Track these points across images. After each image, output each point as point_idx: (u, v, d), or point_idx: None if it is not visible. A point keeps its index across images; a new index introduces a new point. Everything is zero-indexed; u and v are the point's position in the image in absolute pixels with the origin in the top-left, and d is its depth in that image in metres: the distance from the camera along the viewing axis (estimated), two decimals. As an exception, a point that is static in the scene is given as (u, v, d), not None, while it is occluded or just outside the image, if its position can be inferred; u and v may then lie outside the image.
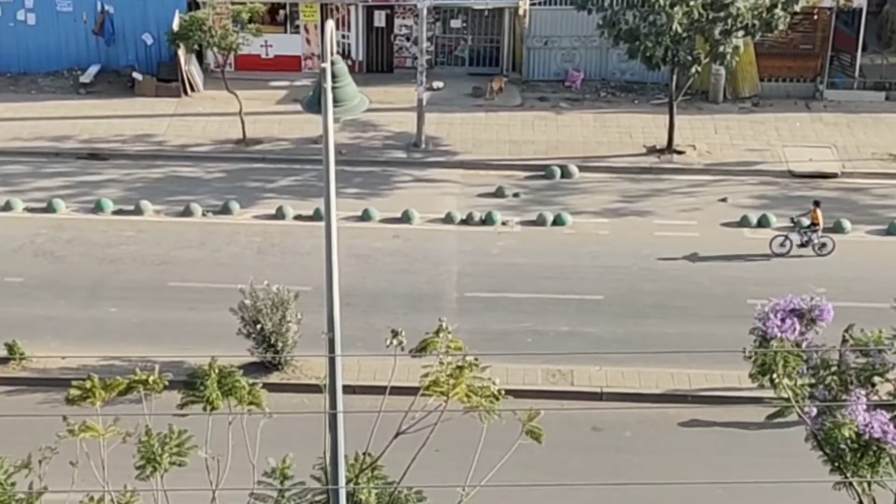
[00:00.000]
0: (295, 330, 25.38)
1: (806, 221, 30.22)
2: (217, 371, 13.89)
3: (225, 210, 31.90)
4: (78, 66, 38.33)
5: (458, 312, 27.02)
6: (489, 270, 29.52)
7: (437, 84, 37.51)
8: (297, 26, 38.45)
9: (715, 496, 21.16)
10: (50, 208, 31.82)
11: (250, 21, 33.87)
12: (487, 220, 31.48)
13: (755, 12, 32.46)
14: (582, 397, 25.04)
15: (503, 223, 31.51)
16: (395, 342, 13.57)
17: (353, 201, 31.84)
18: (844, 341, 17.57)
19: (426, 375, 13.73)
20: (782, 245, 30.02)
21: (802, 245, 29.92)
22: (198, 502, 14.05)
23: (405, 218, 31.52)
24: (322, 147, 12.25)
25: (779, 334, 15.79)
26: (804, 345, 15.97)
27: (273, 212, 31.82)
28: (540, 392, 24.63)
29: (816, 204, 30.30)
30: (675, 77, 33.75)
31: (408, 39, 38.56)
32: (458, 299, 28.34)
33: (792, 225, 30.45)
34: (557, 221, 31.55)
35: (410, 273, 29.36)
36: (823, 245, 30.02)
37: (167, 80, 37.24)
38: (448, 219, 31.55)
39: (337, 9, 38.09)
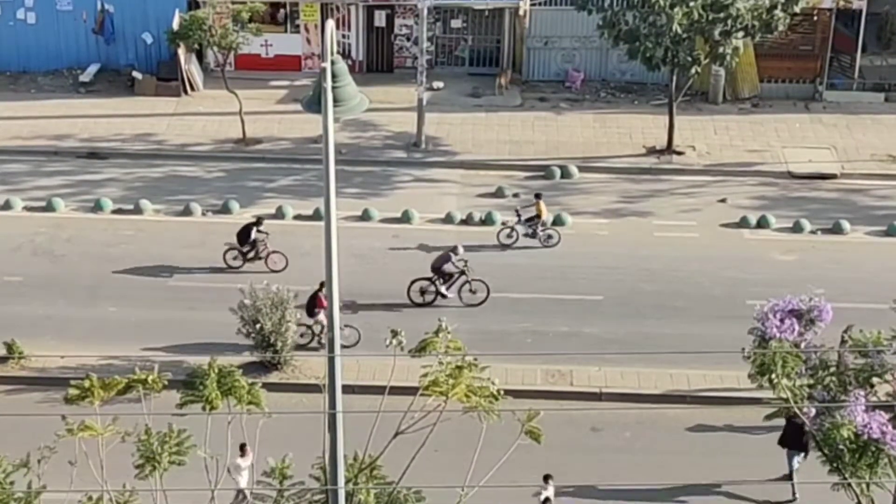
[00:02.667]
0: (294, 329, 25.39)
1: (530, 213, 30.29)
2: (216, 370, 13.89)
3: (225, 209, 31.90)
4: (78, 64, 38.33)
5: (457, 313, 27.01)
6: (488, 270, 29.50)
7: (438, 84, 37.52)
8: (298, 26, 38.44)
9: (714, 496, 21.16)
10: (49, 207, 31.81)
11: (250, 20, 33.86)
12: (487, 221, 31.48)
13: (755, 13, 32.47)
14: (581, 398, 25.04)
15: (503, 223, 31.50)
16: (394, 342, 13.58)
17: (353, 201, 31.84)
18: (843, 342, 17.60)
19: (425, 375, 13.74)
20: (509, 236, 30.24)
21: (529, 236, 30.09)
22: (197, 502, 14.06)
23: (405, 218, 31.52)
24: (322, 147, 12.26)
25: (778, 335, 15.81)
26: (803, 345, 15.99)
27: (273, 211, 31.82)
28: (539, 392, 24.64)
29: (538, 196, 30.50)
30: (674, 78, 33.75)
31: (408, 39, 38.56)
32: (457, 299, 28.31)
33: (517, 217, 30.41)
34: (557, 222, 31.54)
35: (410, 273, 29.33)
36: (549, 237, 30.22)
37: (167, 79, 37.24)
38: (448, 219, 31.55)
39: (337, 8, 38.09)
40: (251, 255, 28.96)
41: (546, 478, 21.25)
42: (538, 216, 30.27)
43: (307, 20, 38.31)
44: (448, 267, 27.86)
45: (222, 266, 29.19)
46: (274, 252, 28.92)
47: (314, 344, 26.34)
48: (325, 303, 25.85)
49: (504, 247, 30.08)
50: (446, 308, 27.16)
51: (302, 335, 26.22)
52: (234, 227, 30.88)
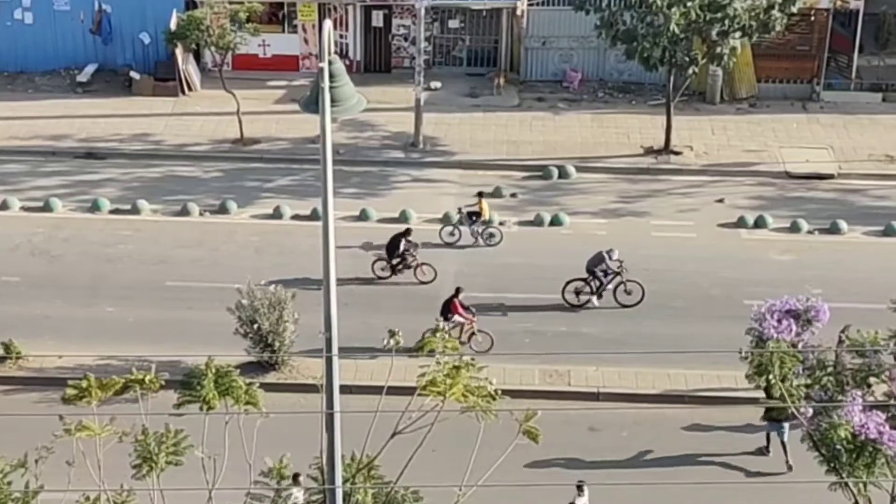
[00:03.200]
0: (292, 329, 25.38)
1: (472, 212, 30.26)
2: (214, 370, 13.89)
3: (222, 209, 31.89)
4: (75, 65, 38.31)
5: (454, 312, 27.00)
6: (486, 270, 29.52)
7: (435, 84, 37.51)
8: (295, 26, 38.44)
9: (711, 496, 21.17)
10: (47, 207, 31.80)
11: (248, 20, 33.84)
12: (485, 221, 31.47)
13: (752, 13, 32.49)
14: (579, 397, 25.05)
15: (501, 223, 31.51)
16: (392, 342, 13.58)
17: (351, 201, 31.83)
18: (840, 342, 17.62)
19: (423, 375, 13.74)
20: (451, 235, 30.24)
21: (474, 235, 30.06)
22: (194, 502, 14.05)
23: (403, 218, 31.50)
24: (320, 147, 12.26)
25: (775, 335, 15.83)
26: (800, 345, 16.00)
27: (271, 211, 31.81)
28: (537, 392, 24.65)
29: (480, 195, 30.46)
30: (672, 78, 33.76)
31: (406, 39, 38.57)
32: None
33: (459, 215, 30.37)
34: (555, 222, 31.56)
35: (407, 273, 29.33)
36: (491, 235, 30.21)
37: (165, 79, 37.23)
38: (445, 219, 31.53)
39: (335, 8, 38.08)
40: (400, 266, 28.53)
41: (579, 486, 21.16)
42: (480, 214, 30.25)
43: (305, 20, 38.30)
44: (602, 267, 27.63)
45: (220, 265, 29.18)
46: (423, 264, 28.51)
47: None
48: (460, 308, 25.96)
49: (447, 245, 29.99)
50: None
51: None
52: (232, 227, 30.92)
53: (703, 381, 25.63)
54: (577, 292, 27.99)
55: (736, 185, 33.60)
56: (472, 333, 26.37)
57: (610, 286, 27.93)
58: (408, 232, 28.88)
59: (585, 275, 28.01)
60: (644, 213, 32.28)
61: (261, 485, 14.40)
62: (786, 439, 22.74)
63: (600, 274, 27.87)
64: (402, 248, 28.58)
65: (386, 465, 14.35)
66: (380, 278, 28.71)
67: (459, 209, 30.52)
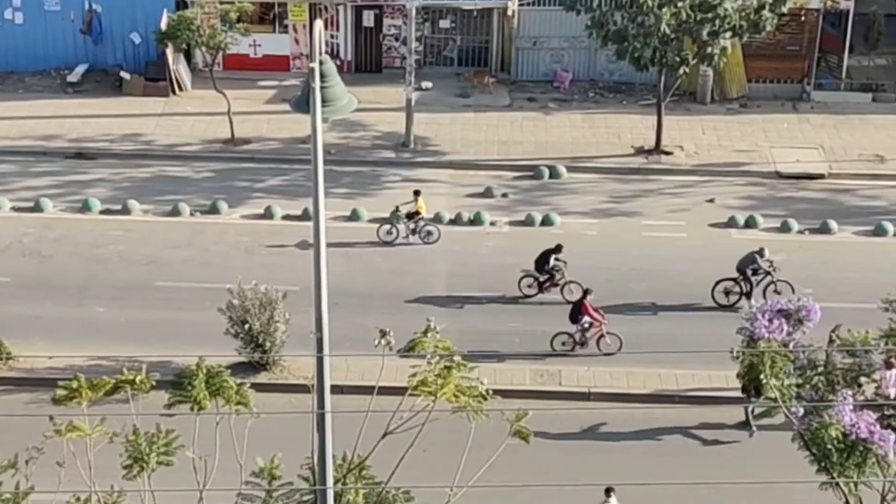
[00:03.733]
0: (283, 330, 25.36)
1: (409, 211, 30.25)
2: (205, 371, 13.88)
3: (213, 210, 31.86)
4: (65, 65, 38.25)
5: (446, 312, 27.02)
6: (477, 270, 29.53)
7: (426, 84, 37.51)
8: (286, 26, 38.42)
9: (702, 496, 21.19)
10: (37, 208, 31.74)
11: (239, 20, 33.82)
12: (476, 221, 31.50)
13: (743, 14, 32.54)
14: (570, 397, 25.06)
15: (492, 223, 31.53)
16: (383, 342, 13.57)
17: (342, 201, 31.82)
18: (831, 342, 17.65)
19: (414, 375, 13.74)
20: (389, 233, 30.24)
21: (412, 233, 30.08)
22: (185, 502, 14.04)
23: (394, 218, 31.47)
24: (311, 147, 12.25)
25: (766, 335, 15.83)
26: (791, 345, 16.01)
27: (261, 211, 31.79)
28: (528, 392, 24.66)
29: (416, 193, 30.43)
30: (663, 78, 33.80)
31: (396, 39, 38.56)
32: (446, 299, 28.34)
33: (396, 214, 30.31)
34: (546, 222, 31.58)
35: (399, 273, 29.35)
36: (429, 233, 30.20)
37: (155, 79, 37.18)
38: (437, 219, 31.54)
39: (326, 8, 38.07)
40: (548, 283, 27.89)
41: (608, 491, 21.09)
42: (417, 213, 30.22)
43: (295, 20, 38.28)
44: (753, 267, 27.38)
45: (211, 265, 29.16)
46: (571, 282, 27.75)
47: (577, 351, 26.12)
48: (590, 309, 25.98)
49: (385, 244, 29.93)
50: (434, 308, 27.13)
51: (563, 343, 26.08)
52: (223, 227, 30.85)
53: (694, 380, 25.66)
54: (727, 293, 27.79)
55: (726, 185, 33.64)
56: (602, 335, 26.25)
57: (759, 286, 27.51)
58: (558, 248, 27.97)
59: (735, 275, 27.69)
60: (635, 213, 32.31)
61: (252, 485, 14.38)
62: (751, 408, 22.85)
63: (750, 274, 27.58)
64: (551, 263, 27.79)
65: (377, 466, 14.34)
66: (526, 296, 28.05)
67: (396, 208, 30.36)
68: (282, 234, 30.71)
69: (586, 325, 26.20)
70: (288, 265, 28.96)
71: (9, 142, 34.71)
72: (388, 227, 30.21)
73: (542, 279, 27.96)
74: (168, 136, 35.29)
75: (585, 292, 26.55)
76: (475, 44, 38.98)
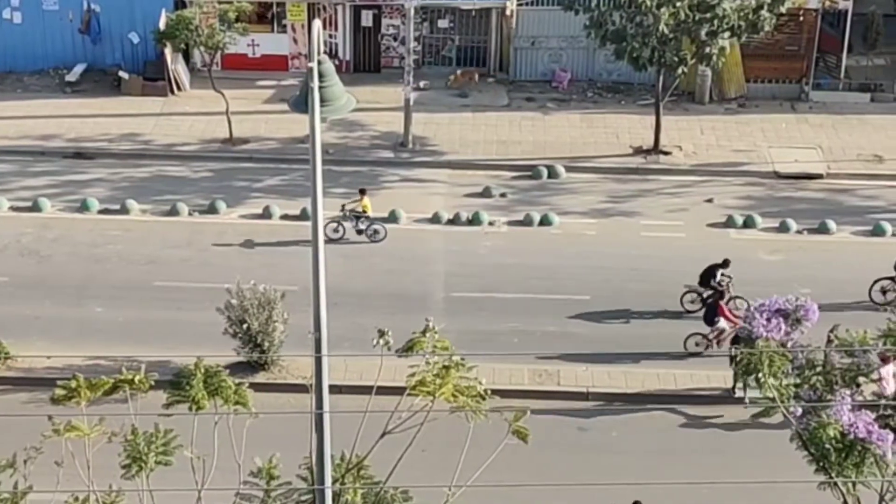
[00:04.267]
0: (281, 329, 25.36)
1: (357, 209, 30.12)
2: (203, 371, 13.88)
3: (212, 209, 31.86)
4: (64, 64, 38.23)
5: (444, 312, 27.02)
6: (476, 270, 29.54)
7: (425, 83, 37.50)
8: (285, 26, 38.41)
9: (700, 496, 21.20)
10: (36, 207, 31.73)
11: (237, 20, 33.82)
12: (474, 220, 31.50)
13: (741, 13, 32.54)
14: (568, 397, 25.07)
15: (490, 223, 31.53)
16: (381, 342, 13.58)
17: (341, 201, 31.79)
18: (829, 341, 17.66)
19: (413, 375, 13.75)
20: (336, 231, 30.05)
21: (358, 232, 30.03)
22: (183, 502, 14.04)
23: (392, 218, 31.50)
24: (309, 147, 12.25)
25: (764, 334, 15.84)
26: (789, 345, 16.02)
27: (260, 211, 31.79)
28: (526, 392, 24.65)
29: (362, 192, 30.30)
30: (661, 78, 33.80)
31: (395, 39, 38.56)
32: (444, 299, 28.35)
33: (342, 213, 30.16)
34: (544, 222, 31.58)
35: (397, 273, 29.36)
36: (376, 232, 30.14)
37: (154, 79, 37.17)
38: (435, 219, 31.56)
39: (324, 8, 38.06)
40: (710, 299, 26.89)
41: None
42: (363, 211, 30.15)
43: (294, 20, 38.27)
44: None
45: (209, 265, 29.15)
46: (736, 297, 27.02)
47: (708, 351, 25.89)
48: (725, 311, 25.87)
49: (331, 240, 29.54)
50: (433, 308, 27.12)
51: (697, 344, 25.97)
52: (222, 227, 30.82)
53: (692, 380, 25.67)
54: (884, 291, 27.62)
55: (725, 185, 33.65)
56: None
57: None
58: (725, 263, 27.28)
59: (893, 273, 27.52)
60: (633, 213, 32.31)
61: (250, 485, 14.38)
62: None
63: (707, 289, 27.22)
64: (717, 278, 27.16)
65: (375, 465, 14.35)
66: (688, 312, 27.52)
67: (343, 206, 30.25)
68: (280, 234, 30.70)
69: (721, 328, 25.97)
70: (286, 265, 28.96)
71: (7, 141, 34.69)
72: (334, 225, 29.96)
73: (705, 294, 27.24)
74: (166, 136, 35.28)
75: (721, 294, 26.34)
76: (473, 44, 38.98)
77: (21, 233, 30.74)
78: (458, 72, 37.97)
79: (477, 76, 37.85)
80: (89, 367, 23.66)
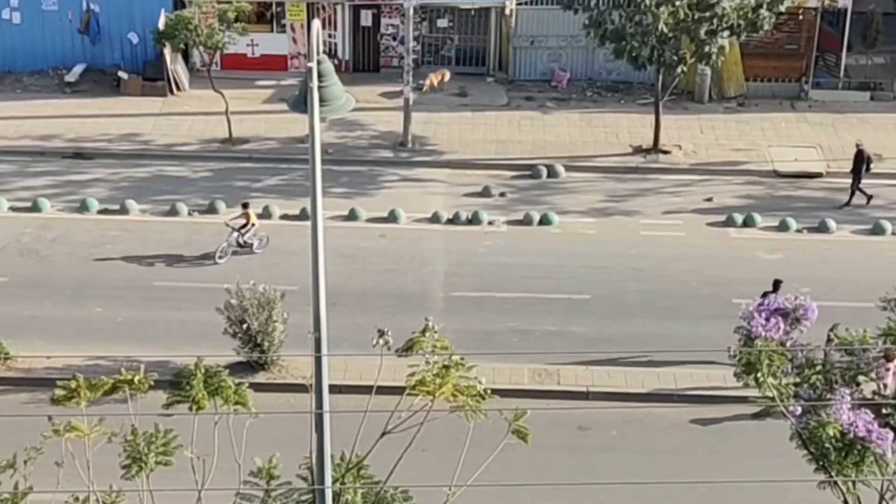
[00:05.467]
0: (281, 329, 25.36)
1: (239, 222, 29.52)
2: (203, 371, 13.87)
3: (211, 209, 31.86)
4: (63, 64, 38.24)
5: (444, 312, 27.02)
6: (476, 270, 29.54)
7: (424, 83, 37.50)
8: (284, 25, 38.41)
9: (700, 495, 21.21)
10: (35, 207, 31.73)
11: (236, 20, 33.82)
12: (474, 220, 31.50)
13: (740, 12, 32.54)
14: (568, 397, 25.06)
15: (490, 223, 31.54)
16: (381, 342, 13.57)
17: (340, 201, 31.82)
18: (829, 340, 17.64)
19: (412, 375, 13.75)
20: (225, 252, 29.25)
21: (241, 245, 29.41)
22: (183, 502, 14.04)
23: (392, 217, 31.52)
24: (308, 146, 12.25)
25: (763, 333, 15.83)
26: (789, 344, 16.01)
27: (259, 211, 31.77)
28: (526, 391, 24.66)
29: (245, 206, 29.74)
30: (660, 77, 33.80)
31: (394, 39, 38.57)
32: (444, 299, 28.36)
33: (229, 230, 29.37)
34: (544, 221, 31.58)
35: (397, 273, 29.37)
36: (261, 239, 29.71)
37: (153, 79, 37.17)
38: (435, 218, 31.56)
39: (323, 8, 38.07)
40: None
41: None
42: (248, 224, 29.49)
43: (293, 20, 38.27)
44: None
45: (208, 265, 29.16)
46: None
47: None
48: None
49: (219, 257, 29.10)
50: (433, 308, 27.14)
51: None
52: (221, 227, 30.78)
53: (692, 379, 25.67)
54: None
55: (724, 183, 33.65)
56: None
57: None
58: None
59: None
60: (633, 212, 32.32)
61: (250, 485, 14.38)
62: None
63: None
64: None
65: (375, 465, 14.35)
66: None
67: (226, 223, 29.52)
68: (280, 234, 30.70)
69: None
70: (286, 265, 28.97)
71: (7, 142, 34.70)
72: (224, 245, 29.28)
73: None
74: (166, 136, 35.28)
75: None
76: (473, 43, 38.98)
77: (20, 233, 30.74)
78: (431, 76, 37.06)
79: (448, 74, 37.48)
80: (89, 368, 23.68)
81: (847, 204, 32.32)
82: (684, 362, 25.66)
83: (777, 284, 27.07)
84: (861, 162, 32.08)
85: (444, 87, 37.13)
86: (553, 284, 28.87)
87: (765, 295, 26.96)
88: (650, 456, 23.64)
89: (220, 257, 29.41)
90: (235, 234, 29.53)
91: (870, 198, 32.33)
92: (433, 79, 36.57)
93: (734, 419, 24.46)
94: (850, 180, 33.32)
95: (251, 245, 29.75)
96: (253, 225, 29.71)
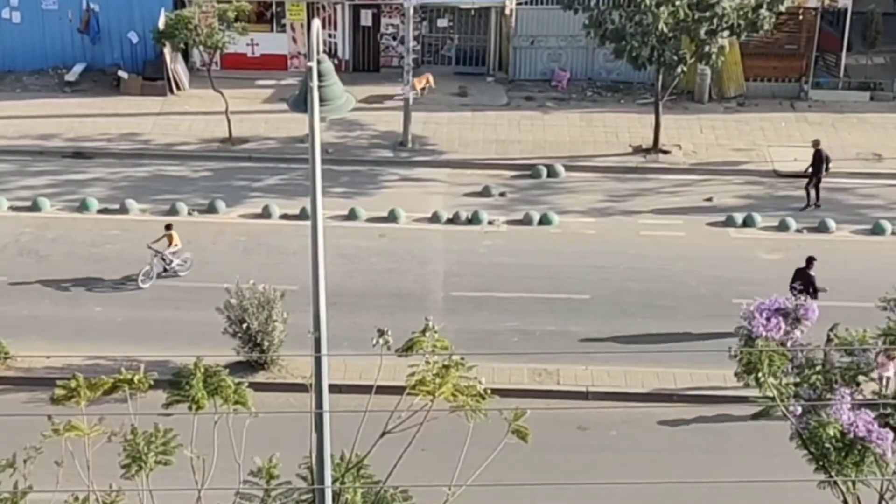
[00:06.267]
0: (281, 329, 25.36)
1: (163, 244, 28.60)
2: (202, 370, 13.87)
3: (211, 209, 31.86)
4: (63, 64, 38.24)
5: (444, 312, 27.02)
6: (475, 270, 29.54)
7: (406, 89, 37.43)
8: (284, 25, 38.41)
9: (700, 495, 21.21)
10: (35, 207, 31.73)
11: (236, 19, 33.82)
12: (474, 220, 31.50)
13: (740, 12, 32.55)
14: (568, 396, 25.06)
15: (489, 222, 31.54)
16: (381, 341, 13.56)
17: (340, 200, 31.82)
18: (829, 340, 17.63)
19: (412, 375, 13.74)
20: (148, 276, 28.40)
21: (164, 269, 28.50)
22: (183, 502, 14.03)
23: (392, 217, 31.52)
24: (308, 146, 12.25)
25: (764, 333, 15.82)
26: (789, 344, 16.01)
27: (259, 211, 31.79)
28: (526, 391, 24.66)
29: (168, 227, 28.75)
30: (660, 77, 33.80)
31: (394, 38, 38.56)
32: (444, 298, 28.35)
33: (153, 253, 28.42)
34: (544, 221, 31.58)
35: (397, 272, 29.37)
36: (184, 261, 28.68)
37: (153, 78, 37.17)
38: (434, 218, 31.56)
39: (323, 7, 38.06)
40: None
41: None
42: (171, 246, 28.60)
43: (293, 19, 38.27)
44: None
45: (208, 265, 29.13)
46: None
47: None
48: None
49: (142, 280, 28.31)
50: (432, 307, 27.13)
51: None
52: (221, 227, 30.77)
53: (691, 379, 25.67)
54: None
55: (724, 183, 33.65)
56: None
57: None
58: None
59: None
60: (633, 211, 32.32)
61: (250, 484, 14.38)
62: None
63: None
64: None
65: (375, 465, 14.34)
66: None
67: (149, 246, 28.56)
68: (280, 234, 30.70)
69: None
70: (286, 264, 28.96)
71: (6, 141, 34.69)
72: (146, 268, 28.38)
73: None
74: (166, 136, 35.28)
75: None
76: (473, 43, 38.98)
77: (20, 232, 30.74)
78: (413, 81, 35.84)
79: (432, 78, 37.06)
80: (88, 367, 23.69)
81: (807, 206, 32.11)
82: (684, 355, 25.64)
83: (810, 261, 27.26)
84: (820, 162, 31.94)
85: (426, 94, 36.54)
86: (553, 284, 28.87)
87: (798, 273, 27.34)
88: (650, 456, 23.64)
89: (143, 281, 28.33)
90: (157, 256, 28.43)
91: (818, 203, 32.10)
92: (416, 84, 36.35)
93: (734, 419, 24.47)
94: (851, 180, 33.34)
95: (174, 268, 28.62)
96: (176, 246, 28.63)
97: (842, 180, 33.82)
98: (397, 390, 13.70)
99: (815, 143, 32.51)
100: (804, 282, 26.68)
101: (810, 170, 32.24)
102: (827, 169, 32.22)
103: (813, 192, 32.25)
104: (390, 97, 36.28)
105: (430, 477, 13.71)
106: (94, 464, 13.58)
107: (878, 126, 36.37)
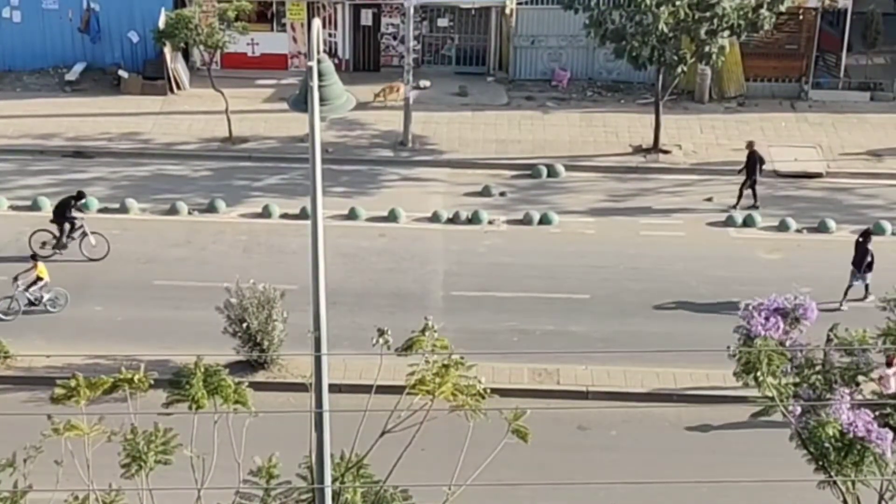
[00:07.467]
0: (281, 328, 25.36)
1: (29, 279, 27.22)
2: (203, 370, 13.88)
3: (211, 208, 31.86)
4: (63, 63, 38.24)
5: (444, 311, 27.02)
6: (475, 269, 29.54)
7: (424, 83, 37.51)
8: (284, 24, 38.41)
9: (700, 495, 21.22)
10: (35, 206, 31.72)
11: (237, 19, 33.82)
12: (474, 219, 31.50)
13: (741, 12, 32.54)
14: (568, 396, 25.06)
15: (490, 222, 31.54)
16: (381, 341, 13.58)
17: (340, 200, 31.82)
18: (829, 340, 17.64)
19: (412, 374, 13.75)
20: (10, 308, 27.04)
21: (32, 304, 27.10)
22: (183, 501, 14.04)
23: (392, 217, 31.52)
24: (308, 145, 12.25)
25: (763, 333, 15.82)
26: (788, 344, 16.01)
27: (259, 210, 31.79)
28: (526, 391, 24.65)
29: (34, 258, 27.56)
30: (661, 77, 33.81)
31: (395, 38, 38.56)
32: (444, 298, 28.35)
33: (16, 284, 27.17)
34: (544, 220, 31.58)
35: (397, 272, 29.37)
36: (54, 300, 27.34)
37: (153, 78, 37.17)
38: (434, 218, 31.56)
39: (324, 7, 38.06)
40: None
41: None
42: (39, 279, 27.30)
43: (294, 19, 38.27)
44: None
45: (208, 264, 29.15)
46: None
47: None
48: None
49: (4, 314, 27.11)
50: (432, 307, 27.13)
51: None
52: (221, 226, 30.77)
53: (691, 379, 25.67)
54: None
55: (724, 183, 33.62)
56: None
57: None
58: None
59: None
60: (633, 211, 32.32)
61: (250, 484, 14.39)
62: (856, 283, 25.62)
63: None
64: None
65: (375, 465, 14.35)
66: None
67: (15, 278, 27.04)
68: (280, 233, 30.70)
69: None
70: (286, 264, 28.97)
71: (7, 140, 34.69)
72: (7, 300, 27.00)
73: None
74: (166, 135, 35.28)
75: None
76: (473, 42, 38.98)
77: (20, 231, 30.71)
78: (384, 88, 36.01)
79: (402, 88, 35.45)
80: (88, 366, 23.68)
81: (737, 206, 32.03)
82: (684, 354, 25.65)
83: (867, 234, 27.97)
84: (754, 163, 31.81)
85: (395, 101, 35.72)
86: (553, 284, 28.87)
87: (860, 241, 27.81)
88: (650, 456, 23.63)
89: (6, 314, 27.03)
90: (21, 288, 27.01)
91: (756, 203, 31.92)
92: (385, 94, 36.09)
93: (734, 419, 24.47)
94: (851, 180, 33.35)
95: (42, 302, 27.23)
96: (40, 279, 27.23)
97: (842, 180, 33.84)
98: (397, 390, 13.71)
99: (750, 145, 32.41)
100: (861, 254, 27.65)
101: (744, 172, 32.10)
102: (761, 171, 32.09)
103: (750, 192, 32.05)
104: (368, 103, 35.70)
105: (429, 476, 13.72)
106: (94, 463, 13.59)
107: (879, 126, 36.36)
